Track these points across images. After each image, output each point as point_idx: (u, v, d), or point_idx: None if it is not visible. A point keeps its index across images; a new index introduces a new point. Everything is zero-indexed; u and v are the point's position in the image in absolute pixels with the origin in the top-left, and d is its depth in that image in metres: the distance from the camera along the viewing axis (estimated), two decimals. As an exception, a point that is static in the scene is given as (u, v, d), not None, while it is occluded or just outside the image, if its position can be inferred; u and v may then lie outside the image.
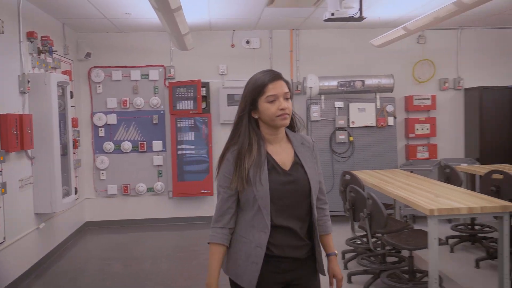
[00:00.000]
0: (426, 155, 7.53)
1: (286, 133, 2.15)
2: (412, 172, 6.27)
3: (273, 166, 2.04)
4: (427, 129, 7.52)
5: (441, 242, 3.74)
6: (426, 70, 7.62)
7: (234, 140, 2.07)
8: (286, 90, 2.04)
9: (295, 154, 2.10)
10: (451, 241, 5.69)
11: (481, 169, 5.77)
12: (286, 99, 2.04)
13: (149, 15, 5.77)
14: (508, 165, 6.35)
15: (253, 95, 2.03)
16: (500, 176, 4.81)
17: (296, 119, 2.17)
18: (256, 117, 2.07)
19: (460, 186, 5.17)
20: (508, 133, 7.31)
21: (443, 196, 4.05)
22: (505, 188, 4.73)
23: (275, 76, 2.04)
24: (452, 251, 5.52)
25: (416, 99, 7.47)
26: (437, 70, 7.62)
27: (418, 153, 7.54)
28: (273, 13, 6.18)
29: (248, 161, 2.00)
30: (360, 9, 3.65)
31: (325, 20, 3.79)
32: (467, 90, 7.64)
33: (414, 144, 7.58)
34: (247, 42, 7.36)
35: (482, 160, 7.15)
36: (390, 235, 4.13)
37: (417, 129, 7.52)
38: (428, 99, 7.49)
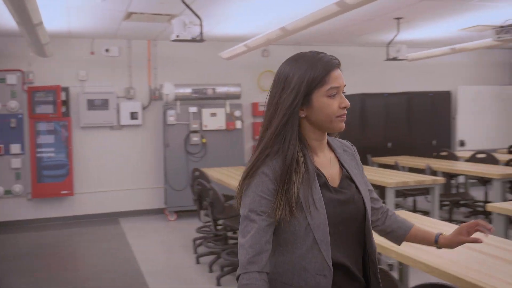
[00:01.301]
0: (270, 154, 8.59)
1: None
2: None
3: (325, 183, 1.55)
4: (271, 131, 8.59)
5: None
6: (269, 80, 8.69)
7: (273, 148, 1.51)
8: (344, 82, 1.57)
9: (341, 165, 1.63)
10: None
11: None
12: (343, 93, 1.57)
13: (7, 21, 5.99)
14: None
15: (308, 85, 1.50)
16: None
17: None
18: (303, 116, 1.54)
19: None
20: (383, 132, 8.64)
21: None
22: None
23: (337, 61, 1.57)
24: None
25: (261, 105, 8.50)
26: (279, 80, 8.73)
27: (263, 153, 8.58)
28: (131, 25, 6.73)
29: (296, 177, 1.48)
30: (201, 32, 4.42)
31: (172, 41, 4.50)
32: (304, 98, 8.85)
33: (260, 145, 8.60)
34: (107, 50, 7.80)
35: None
36: (229, 219, 4.96)
37: (263, 132, 8.55)
38: (271, 105, 8.56)
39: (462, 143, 9.72)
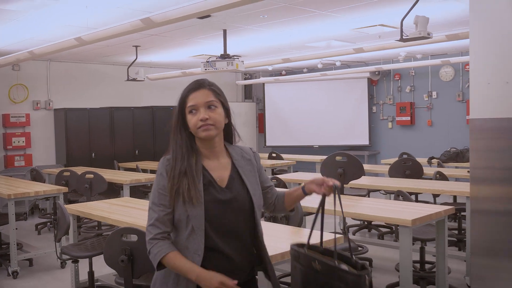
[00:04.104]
0: (23, 163, 9.08)
1: (226, 147, 2.03)
2: (11, 177, 7.71)
3: (210, 182, 1.92)
4: (23, 141, 9.08)
5: (20, 218, 5.43)
6: (21, 93, 9.19)
7: (168, 154, 1.95)
8: (210, 98, 1.91)
9: (234, 168, 1.99)
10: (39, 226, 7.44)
11: (57, 170, 7.70)
12: (210, 107, 1.91)
13: None
14: (83, 167, 8.54)
15: (179, 106, 1.94)
16: (68, 173, 6.80)
17: (234, 130, 2.05)
18: (188, 129, 1.94)
19: (44, 182, 6.95)
20: (87, 143, 9.56)
21: (16, 186, 5.75)
22: (73, 183, 6.73)
23: (197, 85, 1.94)
24: (39, 233, 7.28)
25: (12, 117, 8.94)
26: (30, 93, 9.28)
27: (16, 162, 9.02)
28: None
29: (181, 175, 1.87)
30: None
31: None
32: (56, 110, 9.57)
33: (12, 155, 9.01)
34: None
35: (69, 164, 9.13)
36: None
37: (14, 142, 8.99)
38: (23, 117, 9.07)
39: (198, 150, 11.57)
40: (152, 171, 8.36)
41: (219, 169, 1.96)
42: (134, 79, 8.33)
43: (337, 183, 1.89)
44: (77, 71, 9.89)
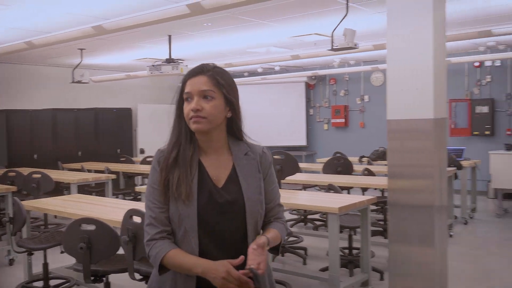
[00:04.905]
0: (-38, 164, 8.98)
1: (229, 142, 1.78)
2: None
3: (205, 180, 1.71)
4: (-37, 143, 8.99)
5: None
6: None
7: (169, 144, 1.73)
8: (205, 87, 1.66)
9: (233, 168, 1.75)
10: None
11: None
12: (205, 97, 1.66)
13: None
14: (25, 168, 8.58)
15: (179, 91, 1.72)
16: (13, 174, 6.89)
17: (237, 126, 1.77)
18: None
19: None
20: (29, 144, 9.56)
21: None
22: (19, 182, 6.83)
23: (197, 69, 1.70)
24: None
25: (-49, 118, 8.83)
26: (-30, 94, 9.20)
27: (-45, 163, 8.91)
28: None
29: (173, 169, 1.68)
30: None
31: None
32: (-3, 111, 9.51)
33: (-49, 156, 8.90)
34: None
35: (10, 166, 9.06)
36: None
37: (-46, 143, 8.89)
38: (-37, 118, 8.97)
39: (142, 151, 11.75)
40: (97, 171, 8.51)
41: (217, 166, 1.74)
42: (79, 81, 8.46)
43: (260, 269, 1.59)
44: (19, 73, 9.86)
